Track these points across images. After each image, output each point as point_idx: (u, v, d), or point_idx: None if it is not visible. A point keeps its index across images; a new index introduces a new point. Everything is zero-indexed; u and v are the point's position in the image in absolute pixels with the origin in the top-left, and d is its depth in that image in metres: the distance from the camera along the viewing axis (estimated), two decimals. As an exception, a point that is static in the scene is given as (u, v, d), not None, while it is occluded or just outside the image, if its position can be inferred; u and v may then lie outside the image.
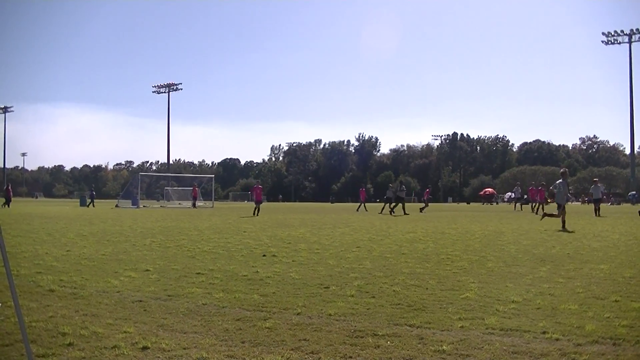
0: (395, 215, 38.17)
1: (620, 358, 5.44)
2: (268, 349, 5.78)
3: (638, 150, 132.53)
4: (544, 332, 6.29)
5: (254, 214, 37.90)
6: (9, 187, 56.27)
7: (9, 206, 50.95)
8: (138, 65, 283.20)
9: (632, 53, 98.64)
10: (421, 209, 48.53)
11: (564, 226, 23.19)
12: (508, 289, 9.00)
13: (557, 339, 6.04)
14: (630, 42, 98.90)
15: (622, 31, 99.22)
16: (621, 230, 22.47)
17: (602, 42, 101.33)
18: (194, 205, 62.84)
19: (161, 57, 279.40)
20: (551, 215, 24.92)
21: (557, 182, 24.80)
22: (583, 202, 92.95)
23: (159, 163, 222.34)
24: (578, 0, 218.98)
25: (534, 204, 45.77)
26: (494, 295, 8.47)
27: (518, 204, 52.75)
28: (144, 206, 61.27)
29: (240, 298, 8.34)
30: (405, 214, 39.61)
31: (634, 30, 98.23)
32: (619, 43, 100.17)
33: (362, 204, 52.80)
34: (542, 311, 7.37)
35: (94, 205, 61.76)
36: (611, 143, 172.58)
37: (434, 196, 77.14)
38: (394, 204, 42.13)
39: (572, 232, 21.64)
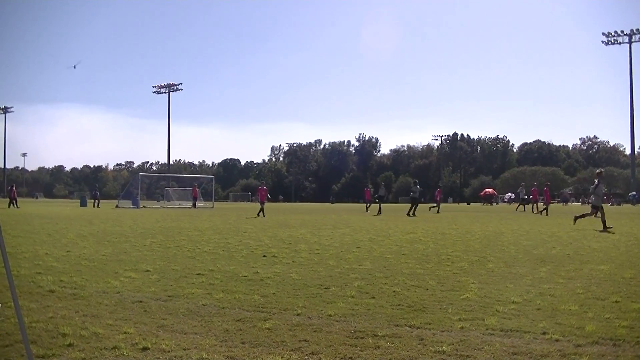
0: (412, 216, 37.89)
1: (620, 359, 5.45)
2: (268, 350, 5.79)
3: (638, 150, 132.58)
4: (544, 333, 6.30)
5: (262, 215, 37.52)
6: (13, 188, 56.31)
7: (9, 206, 51.07)
8: (138, 65, 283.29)
9: (632, 53, 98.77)
10: (430, 208, 48.56)
11: (605, 226, 23.31)
12: (508, 289, 9.00)
13: (557, 340, 6.04)
14: (630, 43, 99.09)
15: (622, 31, 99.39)
16: (621, 230, 22.47)
17: (603, 42, 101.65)
18: (194, 205, 62.77)
19: (161, 57, 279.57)
20: (604, 222, 24.44)
21: (595, 183, 24.92)
22: (583, 202, 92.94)
23: (159, 163, 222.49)
24: (578, 0, 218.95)
25: (534, 205, 45.82)
26: (494, 296, 8.48)
27: (522, 205, 52.44)
28: (144, 207, 61.24)
29: (241, 299, 8.35)
30: (411, 214, 39.31)
31: (634, 31, 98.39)
32: (619, 43, 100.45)
33: (369, 204, 53.09)
34: (542, 312, 7.37)
35: (99, 206, 61.77)
36: (611, 143, 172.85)
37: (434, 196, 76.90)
38: (411, 206, 41.71)
39: (611, 231, 21.95)
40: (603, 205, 24.45)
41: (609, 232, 21.99)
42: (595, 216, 24.47)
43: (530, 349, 5.75)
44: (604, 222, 23.23)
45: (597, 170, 26.45)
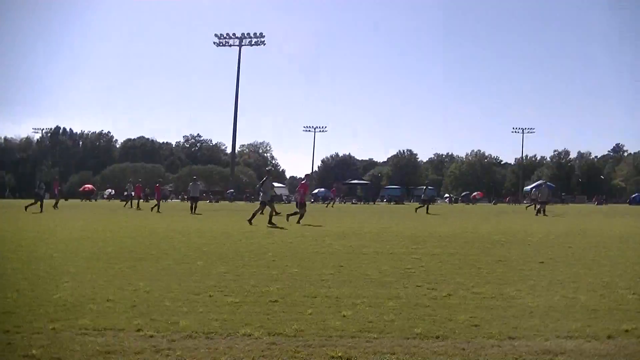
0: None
1: (211, 351, 5.62)
2: None
3: (239, 149, 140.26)
4: (138, 330, 6.34)
5: None
6: None
7: None
8: None
9: (242, 56, 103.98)
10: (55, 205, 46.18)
11: (270, 220, 24.32)
12: (101, 287, 8.89)
13: (151, 336, 6.12)
14: (240, 45, 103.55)
15: (234, 34, 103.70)
16: (212, 227, 23.34)
17: (214, 43, 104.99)
18: None
19: None
20: (271, 215, 25.03)
21: (263, 180, 26.05)
22: (182, 199, 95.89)
23: None
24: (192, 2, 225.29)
25: (138, 202, 47.05)
26: (89, 294, 8.31)
27: (129, 202, 52.37)
28: None
29: None
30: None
31: (245, 35, 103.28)
32: (230, 45, 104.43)
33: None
34: (137, 309, 7.40)
35: None
36: (214, 142, 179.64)
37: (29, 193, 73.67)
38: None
39: (282, 228, 22.47)
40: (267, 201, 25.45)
41: (276, 227, 22.96)
42: (261, 213, 25.23)
43: (125, 346, 5.74)
44: (270, 215, 24.67)
45: (267, 168, 28.50)
